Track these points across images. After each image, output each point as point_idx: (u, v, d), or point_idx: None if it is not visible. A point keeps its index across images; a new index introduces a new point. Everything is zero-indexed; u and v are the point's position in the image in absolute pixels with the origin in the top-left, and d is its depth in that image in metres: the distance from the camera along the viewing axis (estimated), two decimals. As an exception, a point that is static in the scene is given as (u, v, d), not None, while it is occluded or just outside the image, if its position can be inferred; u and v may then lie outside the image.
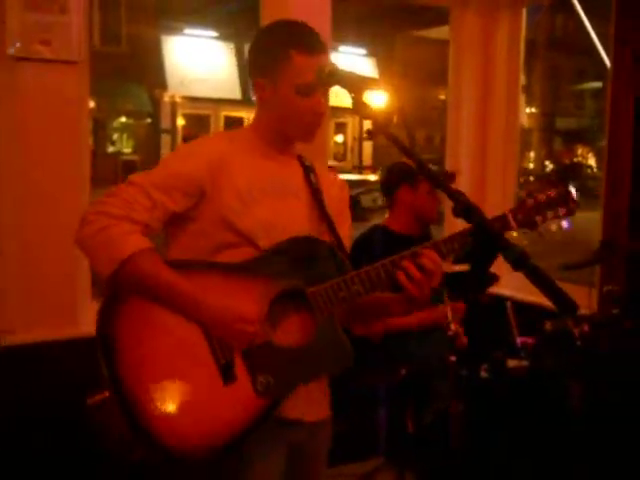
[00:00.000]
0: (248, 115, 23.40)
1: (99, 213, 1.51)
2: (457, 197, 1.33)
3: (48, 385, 2.67)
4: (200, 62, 21.75)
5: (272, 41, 1.67)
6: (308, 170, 1.75)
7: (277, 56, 1.62)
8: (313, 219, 1.71)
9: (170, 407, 1.50)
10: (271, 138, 1.70)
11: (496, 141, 3.92)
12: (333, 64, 1.59)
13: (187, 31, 21.56)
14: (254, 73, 1.68)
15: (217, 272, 1.58)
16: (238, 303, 1.54)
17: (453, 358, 2.29)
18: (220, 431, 1.51)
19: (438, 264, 1.58)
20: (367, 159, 23.96)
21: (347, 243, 1.76)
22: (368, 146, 23.95)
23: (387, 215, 2.98)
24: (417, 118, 21.56)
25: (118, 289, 1.52)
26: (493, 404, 2.58)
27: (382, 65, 23.50)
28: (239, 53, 22.39)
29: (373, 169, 20.96)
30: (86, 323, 2.71)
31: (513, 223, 1.62)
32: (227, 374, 1.54)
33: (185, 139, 22.24)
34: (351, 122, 23.93)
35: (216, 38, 22.44)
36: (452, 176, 2.89)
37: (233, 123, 23.26)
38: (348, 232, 1.82)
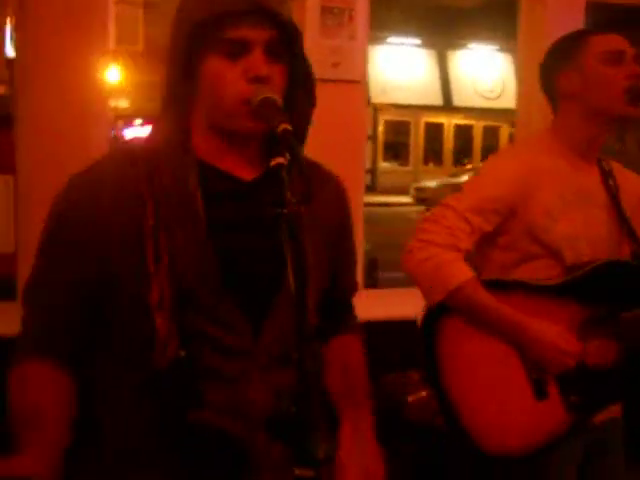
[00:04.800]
0: (449, 121, 23.35)
1: (424, 241, 1.64)
2: None
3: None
4: (402, 69, 22.09)
5: (565, 40, 1.76)
6: (607, 175, 1.79)
7: (575, 44, 1.70)
8: (612, 227, 1.76)
9: (487, 414, 1.67)
10: (576, 139, 1.74)
11: None
12: None
13: (390, 39, 21.99)
14: (554, 74, 1.74)
15: (531, 293, 1.68)
16: (554, 331, 1.63)
17: None
18: (532, 438, 1.66)
19: None
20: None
21: None
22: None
23: None
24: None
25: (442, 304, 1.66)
26: None
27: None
28: (441, 59, 22.45)
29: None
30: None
31: None
32: (539, 390, 1.66)
33: (386, 145, 22.73)
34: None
35: (418, 46, 22.64)
36: None
37: (433, 129, 23.35)
38: None
